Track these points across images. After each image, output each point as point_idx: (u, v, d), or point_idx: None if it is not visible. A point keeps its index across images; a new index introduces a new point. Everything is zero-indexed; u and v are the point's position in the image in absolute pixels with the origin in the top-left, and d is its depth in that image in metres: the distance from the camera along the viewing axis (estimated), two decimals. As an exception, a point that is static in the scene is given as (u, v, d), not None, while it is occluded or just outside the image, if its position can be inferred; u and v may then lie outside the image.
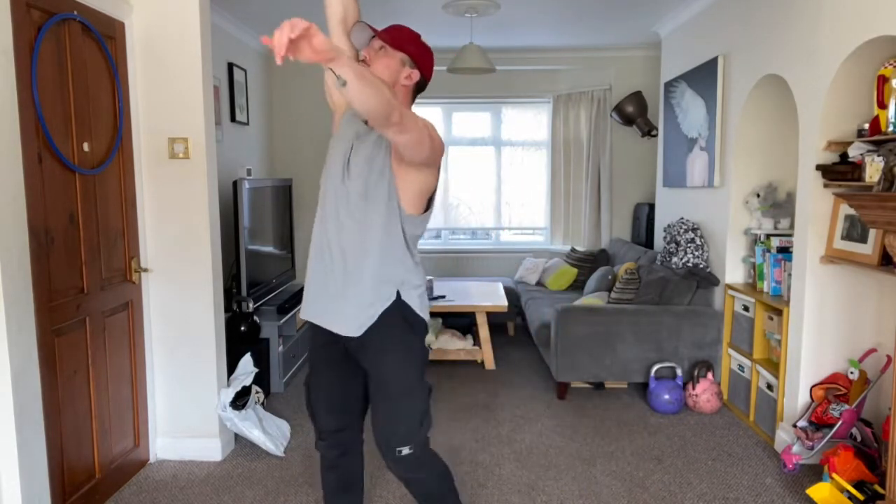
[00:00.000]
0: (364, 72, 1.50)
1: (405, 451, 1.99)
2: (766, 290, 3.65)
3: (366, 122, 1.94)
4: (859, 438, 2.91)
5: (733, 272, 4.04)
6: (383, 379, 2.00)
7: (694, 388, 3.88)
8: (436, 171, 1.91)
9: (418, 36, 1.92)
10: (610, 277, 4.89)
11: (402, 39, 1.88)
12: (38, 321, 2.41)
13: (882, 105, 2.65)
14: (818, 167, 3.02)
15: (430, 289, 4.97)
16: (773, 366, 3.52)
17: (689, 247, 4.23)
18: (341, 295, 1.93)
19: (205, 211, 3.15)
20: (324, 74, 1.73)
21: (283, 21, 1.35)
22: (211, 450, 3.27)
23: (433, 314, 5.39)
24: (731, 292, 3.98)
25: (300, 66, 6.18)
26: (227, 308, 3.99)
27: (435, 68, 6.09)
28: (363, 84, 1.48)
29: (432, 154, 1.80)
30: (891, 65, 2.61)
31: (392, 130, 1.64)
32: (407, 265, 1.98)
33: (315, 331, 2.07)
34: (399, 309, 1.96)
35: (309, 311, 2.03)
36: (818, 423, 3.00)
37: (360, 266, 1.91)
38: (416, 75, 1.91)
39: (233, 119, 5.15)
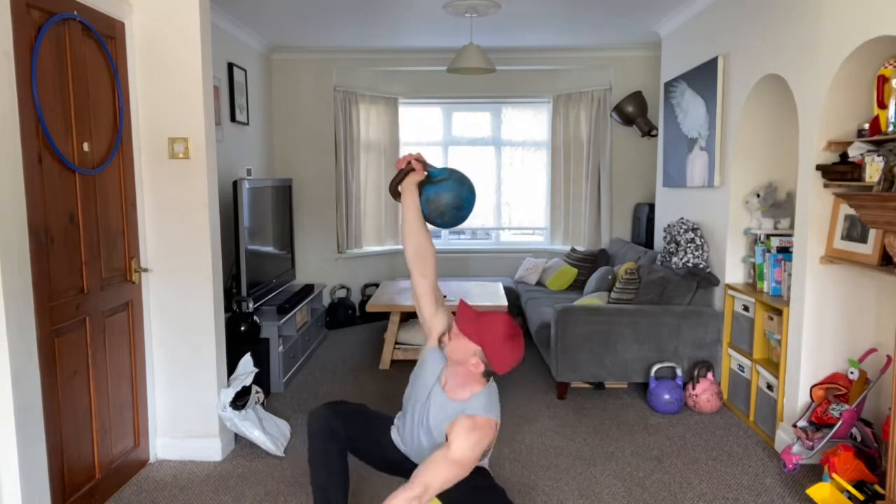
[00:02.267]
0: (423, 495, 1.99)
1: None
2: (766, 290, 3.65)
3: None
4: (859, 438, 2.91)
5: (733, 272, 4.04)
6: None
7: (694, 388, 3.88)
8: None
9: (505, 335, 2.10)
10: (610, 277, 4.89)
11: (483, 335, 2.10)
12: (38, 321, 2.41)
13: (882, 105, 2.65)
14: (818, 167, 3.02)
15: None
16: (773, 366, 3.52)
17: (689, 247, 4.23)
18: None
19: (205, 211, 3.15)
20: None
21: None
22: (211, 450, 3.27)
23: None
24: (731, 292, 3.98)
25: (299, 65, 6.19)
26: (227, 308, 3.99)
27: (435, 68, 6.13)
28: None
29: (483, 455, 2.20)
30: (891, 65, 2.61)
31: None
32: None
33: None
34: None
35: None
36: (818, 423, 3.00)
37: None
38: (481, 366, 2.14)
39: (233, 119, 5.15)
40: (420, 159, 2.30)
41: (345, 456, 2.37)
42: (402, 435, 2.37)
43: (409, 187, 2.24)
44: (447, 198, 2.20)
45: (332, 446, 2.31)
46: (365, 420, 2.41)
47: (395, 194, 2.28)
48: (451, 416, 2.18)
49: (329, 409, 2.35)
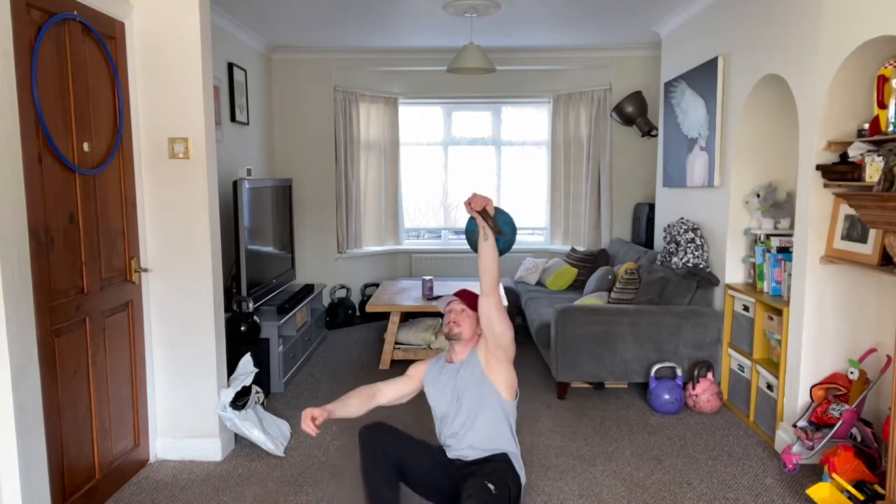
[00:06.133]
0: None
1: (491, 486, 2.34)
2: (766, 290, 3.65)
3: (450, 361, 2.70)
4: (859, 438, 2.91)
5: (733, 272, 4.04)
6: (491, 469, 2.47)
7: (694, 388, 3.88)
8: (512, 367, 2.63)
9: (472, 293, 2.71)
10: (610, 277, 4.89)
11: (472, 301, 2.64)
12: (38, 321, 2.41)
13: (882, 105, 2.65)
14: (818, 167, 3.02)
15: (430, 288, 4.97)
16: (773, 366, 3.52)
17: (689, 247, 4.23)
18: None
19: (205, 211, 3.16)
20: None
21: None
22: (211, 450, 3.27)
23: (433, 314, 5.39)
24: (731, 292, 3.98)
25: (299, 65, 6.19)
26: (227, 308, 3.99)
27: (435, 68, 6.30)
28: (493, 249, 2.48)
29: (509, 331, 2.54)
30: (891, 65, 2.61)
31: (494, 289, 2.49)
32: (512, 448, 2.61)
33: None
34: (504, 460, 2.56)
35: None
36: (818, 423, 3.00)
37: (481, 448, 2.59)
38: (480, 328, 2.61)
39: (233, 119, 5.15)
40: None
41: (397, 475, 2.50)
42: (456, 441, 2.61)
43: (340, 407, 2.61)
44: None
45: (384, 461, 2.47)
46: (413, 441, 2.60)
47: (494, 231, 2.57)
48: (475, 362, 2.60)
49: (379, 427, 2.55)
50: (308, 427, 2.37)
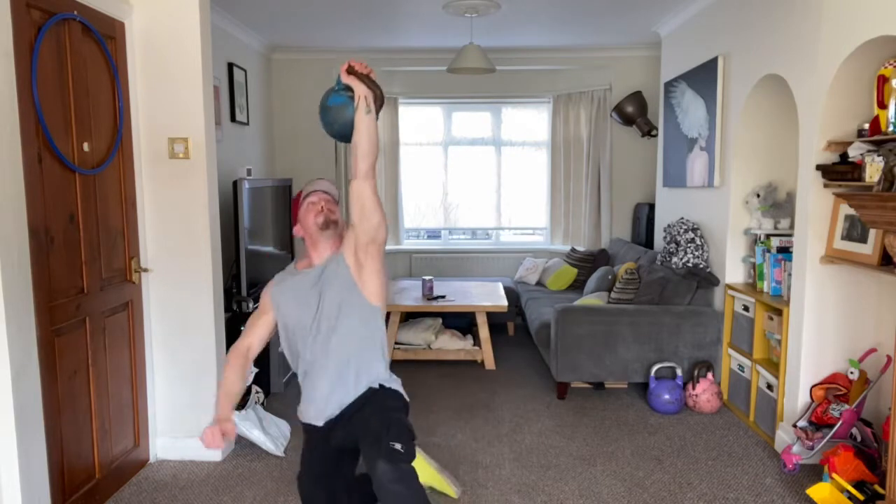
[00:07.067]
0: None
1: (398, 445, 2.10)
2: (766, 290, 3.65)
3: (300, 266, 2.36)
4: (859, 438, 2.91)
5: (733, 272, 4.04)
6: (375, 410, 2.21)
7: (694, 388, 3.88)
8: (385, 268, 2.31)
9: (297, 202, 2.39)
10: (610, 277, 4.89)
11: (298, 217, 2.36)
12: (38, 321, 2.41)
13: (882, 105, 2.65)
14: (818, 167, 3.02)
15: (430, 288, 4.97)
16: (773, 366, 3.52)
17: (689, 247, 4.23)
18: (330, 396, 2.25)
19: (205, 211, 3.16)
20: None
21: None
22: (211, 450, 3.27)
23: (434, 314, 5.39)
24: (731, 292, 3.98)
25: (299, 65, 6.19)
26: (227, 308, 3.99)
27: (435, 68, 6.28)
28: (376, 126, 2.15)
29: (384, 221, 2.21)
30: (891, 65, 2.61)
31: (373, 171, 2.16)
32: (382, 363, 2.30)
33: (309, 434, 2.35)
34: (381, 390, 2.27)
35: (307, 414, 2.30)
36: (818, 423, 3.00)
37: (348, 372, 2.23)
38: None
39: (233, 119, 5.15)
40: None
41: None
42: (315, 379, 2.25)
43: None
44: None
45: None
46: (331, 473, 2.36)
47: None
48: (343, 266, 2.24)
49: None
50: (215, 442, 2.09)
